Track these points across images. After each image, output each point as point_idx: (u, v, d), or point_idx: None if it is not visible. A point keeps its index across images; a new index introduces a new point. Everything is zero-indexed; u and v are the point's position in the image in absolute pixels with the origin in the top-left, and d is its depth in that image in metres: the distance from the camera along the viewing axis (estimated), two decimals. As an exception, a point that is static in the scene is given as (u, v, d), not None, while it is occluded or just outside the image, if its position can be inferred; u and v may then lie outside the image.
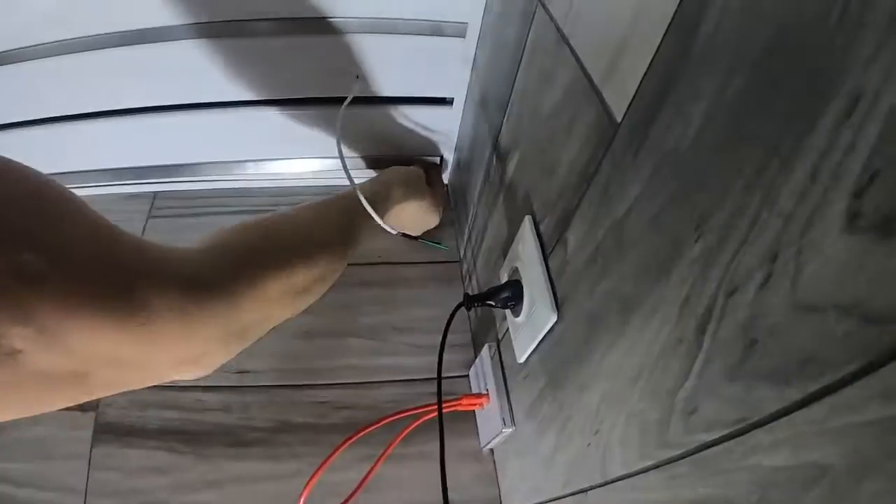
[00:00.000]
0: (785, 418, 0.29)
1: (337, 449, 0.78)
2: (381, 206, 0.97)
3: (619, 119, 0.48)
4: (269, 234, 0.73)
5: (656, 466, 0.43)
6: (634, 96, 0.45)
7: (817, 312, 0.27)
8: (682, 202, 0.39)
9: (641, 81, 0.44)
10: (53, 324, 0.44)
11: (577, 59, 0.56)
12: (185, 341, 0.56)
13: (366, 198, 0.91)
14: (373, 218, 0.93)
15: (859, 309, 0.25)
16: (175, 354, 0.56)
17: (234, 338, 0.62)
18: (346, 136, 0.98)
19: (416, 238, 1.15)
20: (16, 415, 0.48)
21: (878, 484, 0.24)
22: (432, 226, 1.20)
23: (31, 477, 0.93)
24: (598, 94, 0.52)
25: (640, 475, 0.46)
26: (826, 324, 0.26)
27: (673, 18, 0.39)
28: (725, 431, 0.34)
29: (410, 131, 1.19)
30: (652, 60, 0.42)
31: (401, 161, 1.18)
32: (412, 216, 1.12)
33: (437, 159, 1.28)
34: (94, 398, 0.53)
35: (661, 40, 0.41)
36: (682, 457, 0.40)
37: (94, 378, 0.51)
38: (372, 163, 1.25)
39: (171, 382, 0.59)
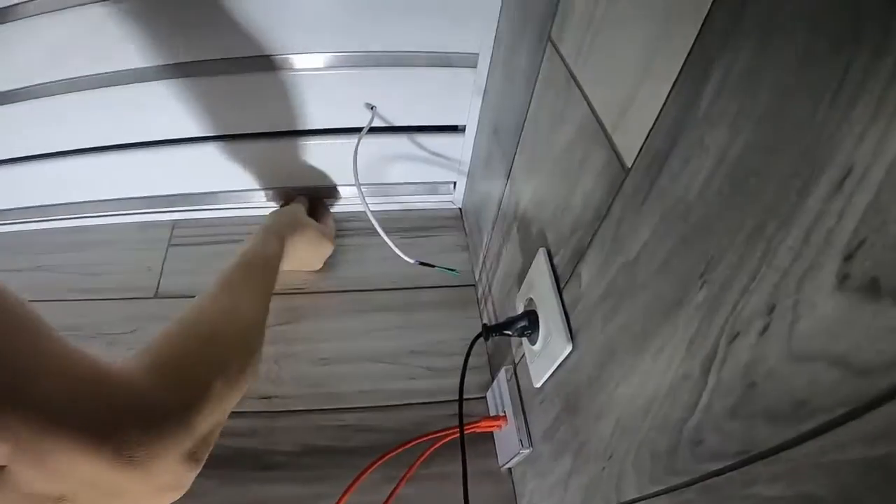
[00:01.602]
0: (782, 453, 0.32)
1: (364, 472, 0.80)
2: (275, 257, 1.00)
3: (629, 164, 0.50)
4: (203, 338, 0.72)
5: (666, 492, 0.46)
6: (644, 144, 0.47)
7: (810, 362, 0.30)
8: (688, 249, 0.41)
9: (650, 131, 0.46)
10: (33, 444, 0.45)
11: (588, 102, 0.58)
12: (158, 471, 0.54)
13: (261, 254, 0.95)
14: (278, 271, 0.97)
15: (847, 361, 0.27)
16: (151, 484, 0.54)
17: (201, 447, 0.60)
18: (362, 164, 1.01)
19: (432, 266, 1.16)
20: None
21: (866, 515, 0.27)
22: (328, 254, 1.21)
23: None
24: (609, 138, 0.54)
25: (652, 499, 0.48)
26: (818, 372, 0.29)
27: (679, 74, 0.41)
28: (728, 462, 0.37)
29: (423, 158, 1.21)
30: (660, 112, 0.44)
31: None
32: (305, 252, 1.13)
33: (328, 188, 1.31)
34: None
35: (669, 94, 0.43)
36: (689, 483, 0.42)
37: (76, 499, 0.51)
38: (384, 189, 1.28)
39: None
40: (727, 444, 0.37)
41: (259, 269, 0.93)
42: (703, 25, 0.38)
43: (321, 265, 1.22)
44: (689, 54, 0.40)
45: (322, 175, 1.26)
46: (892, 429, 0.25)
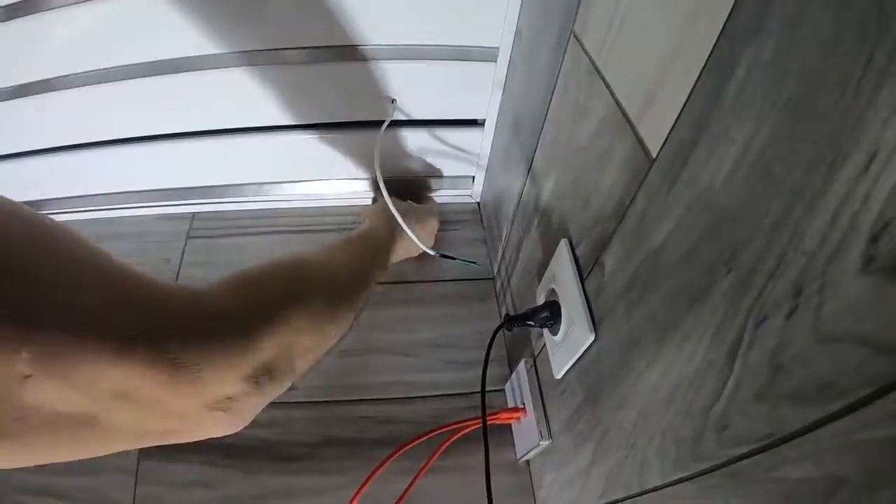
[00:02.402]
0: (808, 435, 0.33)
1: (384, 463, 0.81)
2: (380, 237, 1.04)
3: (654, 155, 0.50)
4: (285, 266, 0.73)
5: (691, 478, 0.46)
6: (669, 135, 0.48)
7: (836, 343, 0.30)
8: (714, 237, 0.42)
9: (675, 121, 0.46)
10: (60, 350, 0.43)
11: (612, 93, 0.59)
12: (208, 381, 0.52)
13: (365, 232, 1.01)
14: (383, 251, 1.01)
15: (872, 341, 0.28)
16: (197, 398, 0.52)
17: (263, 373, 0.58)
18: (381, 157, 1.02)
19: (452, 258, 1.18)
20: (26, 461, 0.46)
21: (891, 493, 0.28)
22: (436, 227, 1.23)
23: (77, 491, 0.96)
24: (634, 129, 0.54)
25: (676, 486, 0.49)
26: (843, 353, 0.30)
27: (706, 64, 0.42)
28: (754, 446, 0.38)
29: (442, 152, 1.23)
30: (685, 103, 0.45)
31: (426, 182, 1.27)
32: (421, 230, 1.15)
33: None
34: (115, 448, 0.50)
35: (695, 84, 0.43)
36: (714, 469, 0.43)
37: (108, 420, 0.48)
38: (404, 183, 1.29)
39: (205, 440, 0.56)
40: (753, 428, 0.38)
41: (363, 241, 0.98)
42: (728, 18, 0.39)
43: (432, 241, 1.23)
44: (714, 46, 0.41)
45: (343, 168, 1.27)
46: (917, 407, 0.26)
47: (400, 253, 1.13)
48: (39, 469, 0.94)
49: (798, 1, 0.32)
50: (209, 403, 0.53)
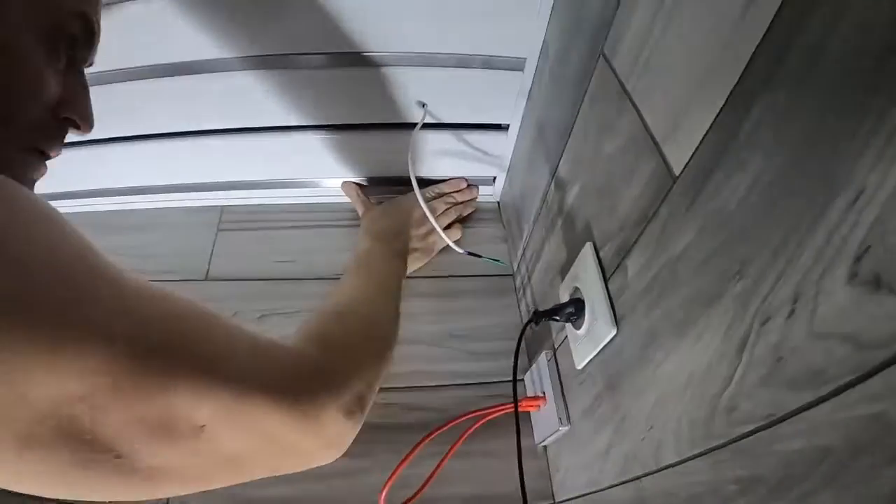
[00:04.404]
0: (802, 414, 0.40)
1: (419, 444, 0.87)
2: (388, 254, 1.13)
3: (677, 174, 0.57)
4: (339, 314, 0.85)
5: (703, 453, 0.53)
6: (691, 158, 0.54)
7: (826, 339, 0.38)
8: (727, 250, 0.49)
9: (698, 147, 0.53)
10: (230, 404, 0.52)
11: (640, 115, 0.64)
12: (325, 422, 0.62)
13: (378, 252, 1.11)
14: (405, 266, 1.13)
15: (855, 338, 0.35)
16: (320, 438, 0.63)
17: (356, 405, 0.68)
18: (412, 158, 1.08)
19: (479, 256, 1.23)
20: (185, 490, 0.56)
21: (867, 460, 0.35)
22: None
23: None
24: (659, 149, 0.60)
25: (689, 461, 0.56)
26: (832, 348, 0.37)
27: (727, 99, 0.49)
28: (758, 424, 0.45)
29: (467, 154, 1.27)
30: (707, 132, 0.51)
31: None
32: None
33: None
34: (243, 480, 0.61)
35: (717, 116, 0.50)
36: (724, 445, 0.50)
37: (258, 459, 0.59)
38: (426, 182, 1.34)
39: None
40: (757, 409, 0.45)
41: (372, 268, 1.08)
42: (749, 62, 0.46)
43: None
44: (735, 86, 0.48)
45: (372, 168, 1.32)
46: (887, 390, 0.33)
47: (415, 259, 1.22)
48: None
49: (809, 60, 0.40)
50: (327, 441, 0.64)
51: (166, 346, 0.49)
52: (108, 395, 0.43)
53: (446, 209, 1.30)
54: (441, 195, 1.32)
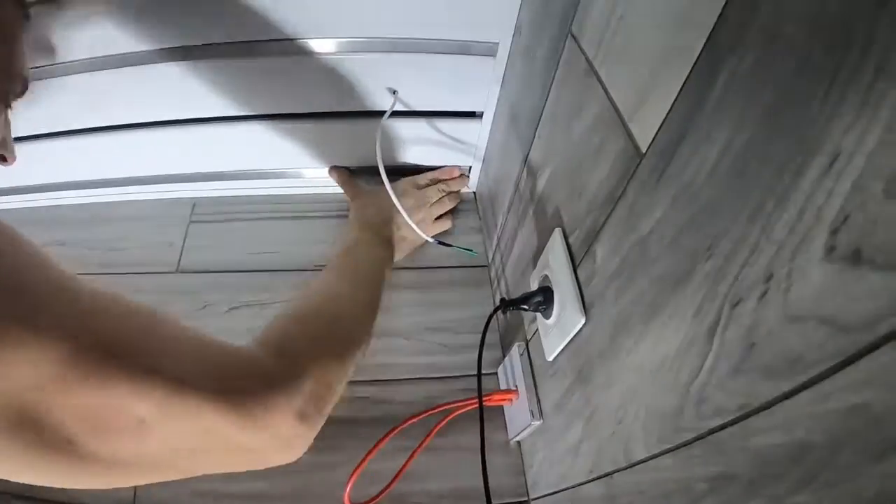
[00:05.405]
0: (778, 405, 0.37)
1: (382, 440, 0.85)
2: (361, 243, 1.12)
3: (643, 150, 0.54)
4: (303, 316, 0.83)
5: (674, 449, 0.50)
6: (657, 132, 0.51)
7: (803, 322, 0.34)
8: (696, 227, 0.46)
9: (664, 121, 0.50)
10: (171, 401, 0.53)
11: (606, 92, 0.62)
12: (274, 424, 0.62)
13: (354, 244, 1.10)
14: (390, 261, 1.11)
15: (834, 320, 0.32)
16: (269, 437, 0.62)
17: (309, 406, 0.66)
18: (382, 147, 1.05)
19: (450, 245, 1.21)
20: (145, 480, 0.58)
21: (850, 456, 0.31)
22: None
23: (78, 492, 0.97)
24: (626, 126, 0.57)
25: (660, 457, 0.53)
26: (809, 331, 0.34)
27: (692, 69, 0.46)
28: (731, 417, 0.42)
29: (441, 142, 1.25)
30: (673, 104, 0.48)
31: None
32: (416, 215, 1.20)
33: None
34: (197, 474, 0.61)
35: (681, 88, 0.47)
36: (694, 440, 0.47)
37: (210, 455, 0.60)
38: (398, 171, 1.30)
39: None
40: (729, 400, 0.42)
41: (358, 258, 1.06)
42: (712, 31, 0.43)
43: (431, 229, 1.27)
44: (700, 54, 0.44)
45: (344, 157, 1.30)
46: (871, 378, 0.30)
47: (403, 247, 1.20)
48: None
49: (776, 18, 0.36)
50: (277, 442, 0.64)
51: (110, 342, 0.52)
52: (57, 385, 0.47)
53: (441, 197, 1.29)
54: (436, 181, 1.30)
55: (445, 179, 1.31)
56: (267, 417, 0.61)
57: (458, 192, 1.34)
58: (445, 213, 1.30)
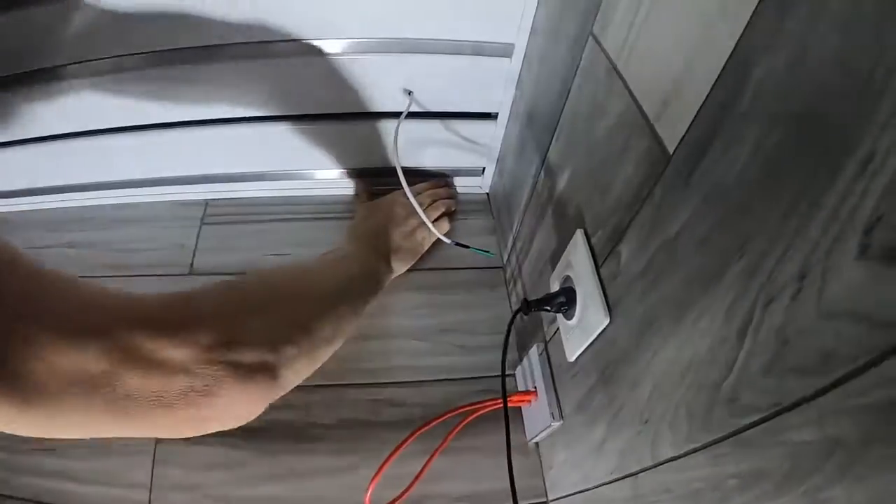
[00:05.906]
0: (811, 402, 0.37)
1: (405, 441, 0.84)
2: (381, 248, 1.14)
3: (671, 151, 0.54)
4: (261, 290, 0.84)
5: (702, 447, 0.50)
6: (685, 134, 0.51)
7: (836, 319, 0.35)
8: (728, 226, 0.46)
9: (692, 122, 0.50)
10: (134, 349, 0.58)
11: (630, 93, 0.62)
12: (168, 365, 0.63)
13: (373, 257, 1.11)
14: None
15: (868, 317, 0.32)
16: (174, 381, 0.62)
17: (220, 347, 0.67)
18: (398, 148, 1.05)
19: (467, 246, 1.21)
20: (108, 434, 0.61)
21: (881, 451, 0.32)
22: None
23: (93, 473, 0.99)
24: (651, 127, 0.58)
25: (688, 456, 0.53)
26: (843, 328, 0.34)
27: (721, 72, 0.46)
28: (762, 415, 0.42)
29: (454, 143, 1.25)
30: (702, 105, 0.49)
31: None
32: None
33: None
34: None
35: (711, 88, 0.47)
36: (724, 438, 0.47)
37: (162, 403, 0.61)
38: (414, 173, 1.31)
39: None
40: (761, 398, 0.42)
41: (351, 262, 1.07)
42: (745, 28, 0.43)
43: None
44: (731, 54, 0.45)
45: (358, 158, 1.30)
46: (905, 373, 0.30)
47: (405, 258, 1.19)
48: (54, 452, 0.96)
49: (809, 19, 0.37)
50: (185, 386, 0.63)
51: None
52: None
53: (433, 202, 1.29)
54: (425, 189, 1.31)
55: (431, 189, 1.32)
56: (168, 354, 0.62)
57: (449, 198, 1.35)
58: (441, 216, 1.30)
